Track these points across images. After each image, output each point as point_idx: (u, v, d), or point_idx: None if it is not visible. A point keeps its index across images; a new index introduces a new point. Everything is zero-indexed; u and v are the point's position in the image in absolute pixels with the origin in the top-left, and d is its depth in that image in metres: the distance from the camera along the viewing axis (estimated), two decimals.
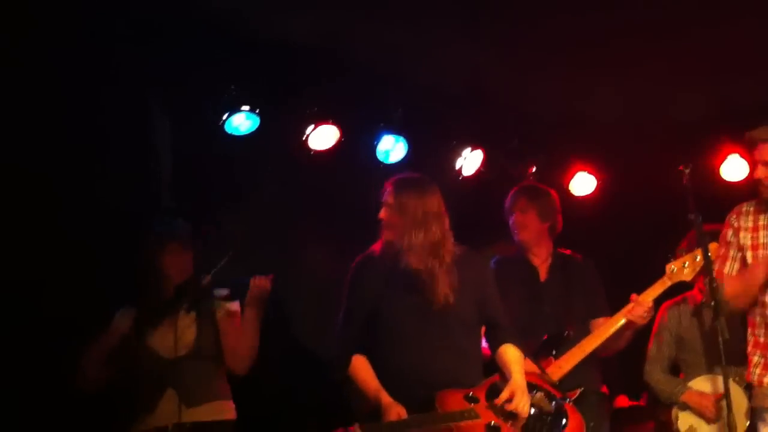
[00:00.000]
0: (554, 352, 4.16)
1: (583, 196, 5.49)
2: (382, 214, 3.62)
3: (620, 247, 5.42)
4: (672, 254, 4.22)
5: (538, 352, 4.13)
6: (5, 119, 4.20)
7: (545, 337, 4.19)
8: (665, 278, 4.17)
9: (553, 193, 4.55)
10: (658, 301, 4.26)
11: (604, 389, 4.41)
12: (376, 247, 3.66)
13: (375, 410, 3.48)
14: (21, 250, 4.33)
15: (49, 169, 4.37)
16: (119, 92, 4.49)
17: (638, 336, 4.32)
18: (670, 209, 4.14)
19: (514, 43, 4.65)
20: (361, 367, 3.56)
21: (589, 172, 5.48)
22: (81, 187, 4.48)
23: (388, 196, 3.63)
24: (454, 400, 3.45)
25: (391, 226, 3.59)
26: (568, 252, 4.51)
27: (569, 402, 3.69)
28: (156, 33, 4.36)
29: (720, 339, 3.57)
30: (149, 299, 4.07)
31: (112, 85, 4.43)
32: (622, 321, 4.16)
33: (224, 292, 3.99)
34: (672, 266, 4.16)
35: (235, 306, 4.03)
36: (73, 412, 4.28)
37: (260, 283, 3.95)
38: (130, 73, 4.43)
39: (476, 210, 4.83)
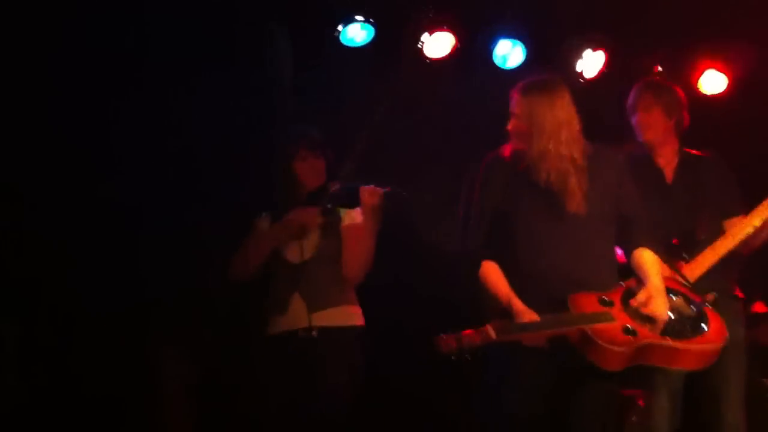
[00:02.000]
0: (685, 256, 4.03)
1: (713, 95, 5.24)
2: (510, 125, 3.53)
3: (755, 147, 5.16)
4: None
5: (669, 256, 4.01)
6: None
7: (675, 241, 4.07)
8: None
9: (677, 88, 4.34)
10: None
11: (738, 293, 4.27)
12: (506, 150, 3.59)
13: (506, 312, 3.45)
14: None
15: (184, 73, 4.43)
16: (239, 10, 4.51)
17: None
18: None
19: None
20: (491, 272, 3.52)
21: (719, 70, 5.21)
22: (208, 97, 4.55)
23: (515, 105, 3.53)
24: (588, 302, 3.39)
25: (520, 135, 3.51)
26: (696, 152, 4.33)
27: (709, 306, 3.57)
28: None
29: None
30: (283, 205, 4.14)
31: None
32: (759, 219, 3.99)
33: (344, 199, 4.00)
34: None
35: (359, 214, 4.05)
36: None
37: (370, 191, 3.94)
38: None
39: (601, 111, 4.67)
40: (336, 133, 4.31)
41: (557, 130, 3.45)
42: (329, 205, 4.00)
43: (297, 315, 4.00)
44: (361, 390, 4.02)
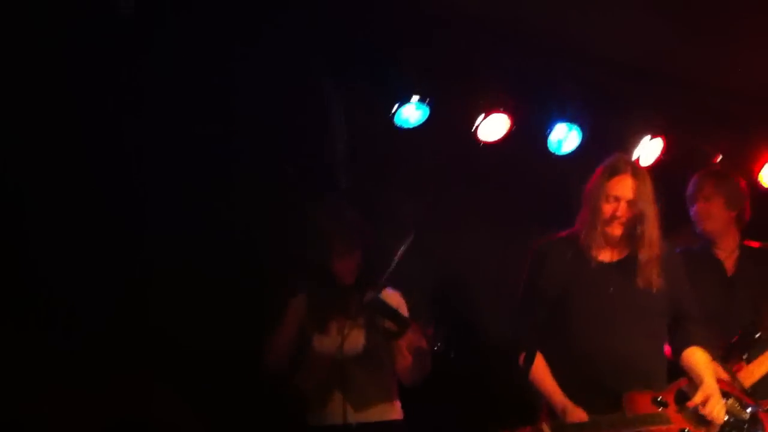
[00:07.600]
0: (745, 357, 3.88)
1: None
2: (618, 209, 3.46)
3: None
4: None
5: (727, 355, 3.86)
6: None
7: (734, 339, 3.92)
8: None
9: (740, 179, 4.24)
10: None
11: None
12: (563, 233, 3.55)
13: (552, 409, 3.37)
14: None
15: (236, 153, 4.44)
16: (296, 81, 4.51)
17: None
18: None
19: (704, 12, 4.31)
20: (538, 366, 3.44)
21: None
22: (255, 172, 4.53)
23: (628, 189, 3.47)
24: (642, 403, 3.30)
25: (622, 220, 3.46)
26: (757, 245, 4.20)
27: (764, 411, 3.43)
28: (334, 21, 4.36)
29: None
30: (319, 295, 4.08)
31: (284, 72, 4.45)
32: None
33: (392, 327, 3.87)
34: None
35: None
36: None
37: (412, 339, 3.86)
38: (307, 61, 4.44)
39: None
40: (385, 213, 4.26)
41: (656, 216, 3.43)
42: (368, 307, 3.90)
43: (334, 413, 3.94)
44: None
